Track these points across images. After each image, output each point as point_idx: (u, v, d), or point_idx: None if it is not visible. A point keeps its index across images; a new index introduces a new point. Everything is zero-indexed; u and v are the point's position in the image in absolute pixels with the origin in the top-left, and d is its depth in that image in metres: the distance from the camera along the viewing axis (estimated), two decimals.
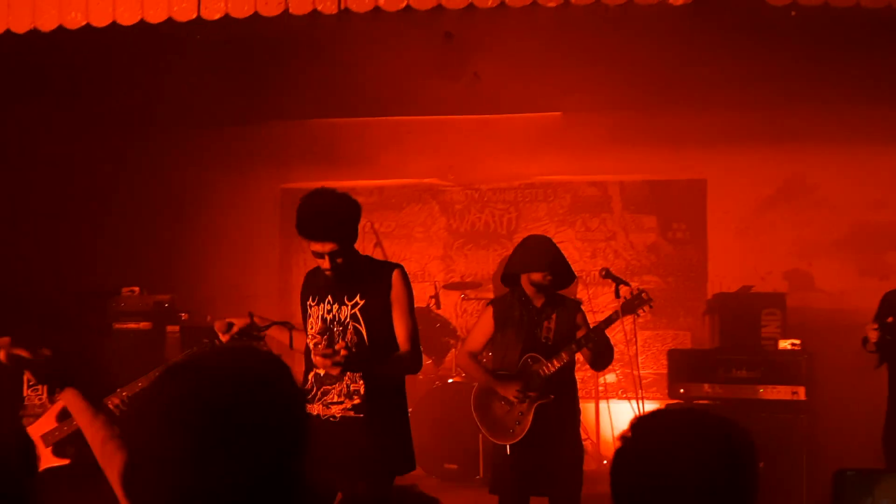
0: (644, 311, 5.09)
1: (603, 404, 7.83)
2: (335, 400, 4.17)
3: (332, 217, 4.10)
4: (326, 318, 4.20)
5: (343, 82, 7.48)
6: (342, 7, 4.27)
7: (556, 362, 5.00)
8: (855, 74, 6.97)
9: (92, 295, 6.80)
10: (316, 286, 4.31)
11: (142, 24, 4.13)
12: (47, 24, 4.20)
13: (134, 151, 7.86)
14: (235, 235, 8.90)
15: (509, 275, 5.31)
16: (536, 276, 5.10)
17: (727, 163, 8.40)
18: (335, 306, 4.21)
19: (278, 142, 8.75)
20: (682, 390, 6.23)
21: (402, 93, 7.83)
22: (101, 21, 4.15)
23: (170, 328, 6.90)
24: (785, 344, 6.15)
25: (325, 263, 4.11)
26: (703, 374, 6.19)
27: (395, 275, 4.22)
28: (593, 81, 7.61)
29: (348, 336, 4.14)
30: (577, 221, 8.74)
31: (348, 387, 4.15)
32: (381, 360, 4.12)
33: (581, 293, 7.89)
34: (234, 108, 8.08)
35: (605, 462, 7.66)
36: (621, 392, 8.18)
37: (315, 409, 4.19)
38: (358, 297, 4.17)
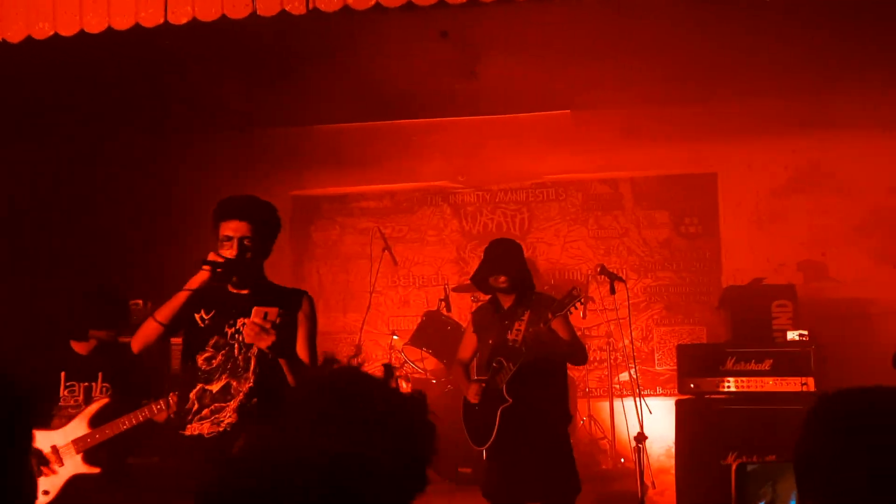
0: (576, 308, 4.98)
1: (618, 403, 7.73)
2: (224, 417, 3.90)
3: (254, 199, 3.95)
4: (227, 333, 3.91)
5: (350, 86, 7.50)
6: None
7: (511, 365, 4.98)
8: (867, 58, 6.86)
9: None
10: (210, 299, 3.92)
11: (138, 28, 4.22)
12: (43, 33, 4.29)
13: (139, 157, 7.90)
14: None
15: (479, 282, 5.33)
16: (493, 280, 5.15)
17: (738, 154, 8.29)
18: (238, 321, 3.90)
19: (287, 148, 8.75)
20: (692, 385, 6.13)
21: (410, 95, 7.83)
22: (96, 28, 4.24)
23: (174, 340, 6.76)
24: (793, 335, 6.04)
25: (231, 250, 3.81)
26: (713, 369, 6.09)
27: (305, 299, 4.02)
28: (600, 78, 7.57)
29: (252, 361, 3.89)
30: (589, 219, 8.64)
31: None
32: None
33: (593, 292, 7.81)
34: (241, 114, 8.12)
35: (622, 461, 7.57)
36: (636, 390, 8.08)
37: (201, 427, 3.91)
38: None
